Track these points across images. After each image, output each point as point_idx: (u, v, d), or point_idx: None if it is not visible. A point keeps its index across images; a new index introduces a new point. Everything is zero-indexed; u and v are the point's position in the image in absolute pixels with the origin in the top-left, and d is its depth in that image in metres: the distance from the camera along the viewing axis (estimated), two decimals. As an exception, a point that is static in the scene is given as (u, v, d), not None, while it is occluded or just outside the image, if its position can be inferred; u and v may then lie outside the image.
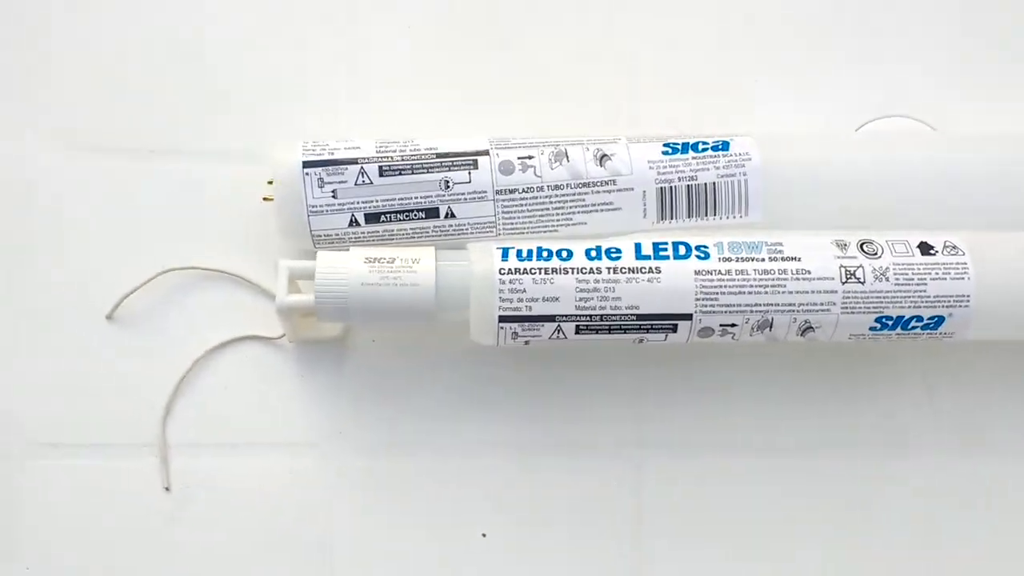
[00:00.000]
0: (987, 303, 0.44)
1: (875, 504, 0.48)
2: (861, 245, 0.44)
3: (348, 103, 0.51)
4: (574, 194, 0.46)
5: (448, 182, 0.46)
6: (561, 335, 0.44)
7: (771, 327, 0.44)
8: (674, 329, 0.44)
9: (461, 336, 0.47)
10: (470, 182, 0.46)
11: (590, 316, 0.43)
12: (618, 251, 0.44)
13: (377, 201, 0.46)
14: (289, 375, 0.48)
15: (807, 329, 0.44)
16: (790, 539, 0.47)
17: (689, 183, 0.46)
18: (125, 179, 0.50)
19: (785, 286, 0.44)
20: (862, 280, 0.44)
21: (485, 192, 0.46)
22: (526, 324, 0.44)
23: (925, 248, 0.45)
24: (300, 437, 0.47)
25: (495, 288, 0.43)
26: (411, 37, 0.52)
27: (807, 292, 0.44)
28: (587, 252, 0.44)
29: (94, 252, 0.49)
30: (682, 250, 0.44)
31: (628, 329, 0.44)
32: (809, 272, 0.44)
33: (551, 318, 0.43)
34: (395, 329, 0.48)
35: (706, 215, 0.46)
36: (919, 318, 0.44)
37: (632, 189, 0.46)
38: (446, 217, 0.46)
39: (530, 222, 0.46)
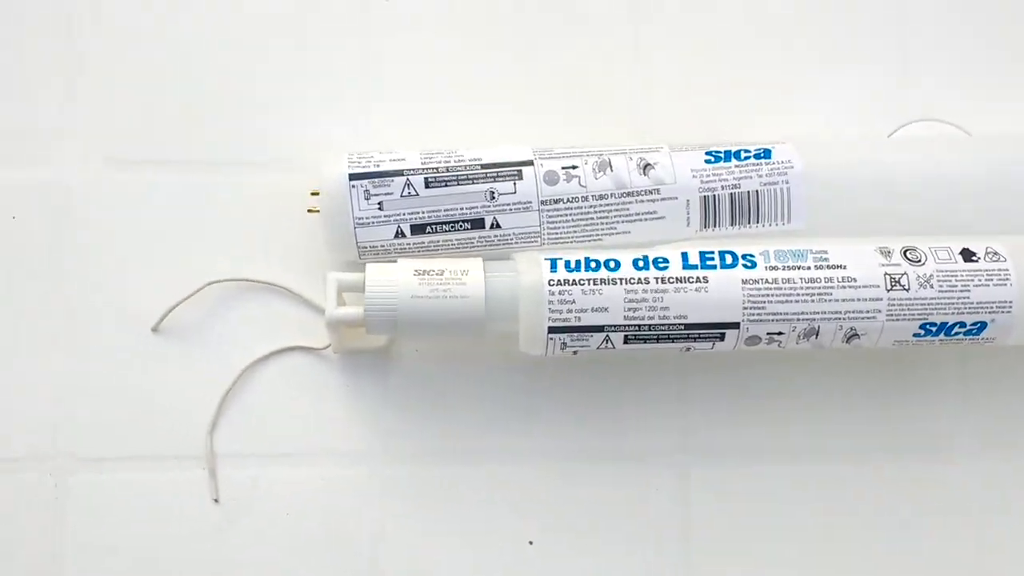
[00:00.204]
0: (1030, 309, 0.45)
1: (918, 509, 0.48)
2: (905, 252, 0.45)
3: (386, 113, 0.51)
4: (618, 204, 0.46)
5: (493, 193, 0.46)
6: (609, 345, 0.44)
7: (817, 335, 0.45)
8: (721, 338, 0.44)
9: (504, 345, 0.47)
10: (515, 192, 0.46)
11: (638, 326, 0.44)
12: (665, 261, 0.44)
13: (423, 212, 0.46)
14: (334, 385, 0.48)
15: (852, 336, 0.45)
16: (836, 545, 0.48)
17: (732, 191, 0.47)
18: (168, 192, 0.50)
19: (831, 294, 0.44)
20: (907, 287, 0.44)
21: (530, 202, 0.46)
22: (575, 335, 0.44)
23: (968, 255, 0.45)
24: (347, 447, 0.48)
25: (544, 299, 0.44)
26: (447, 45, 0.52)
27: (853, 300, 0.44)
28: (634, 262, 0.44)
29: (138, 265, 0.49)
30: (728, 259, 0.44)
31: (676, 338, 0.44)
32: (855, 280, 0.44)
33: (600, 328, 0.44)
34: (442, 340, 0.48)
35: (749, 223, 0.47)
36: (962, 324, 0.45)
37: (676, 198, 0.46)
38: (491, 228, 0.46)
39: (574, 232, 0.47)
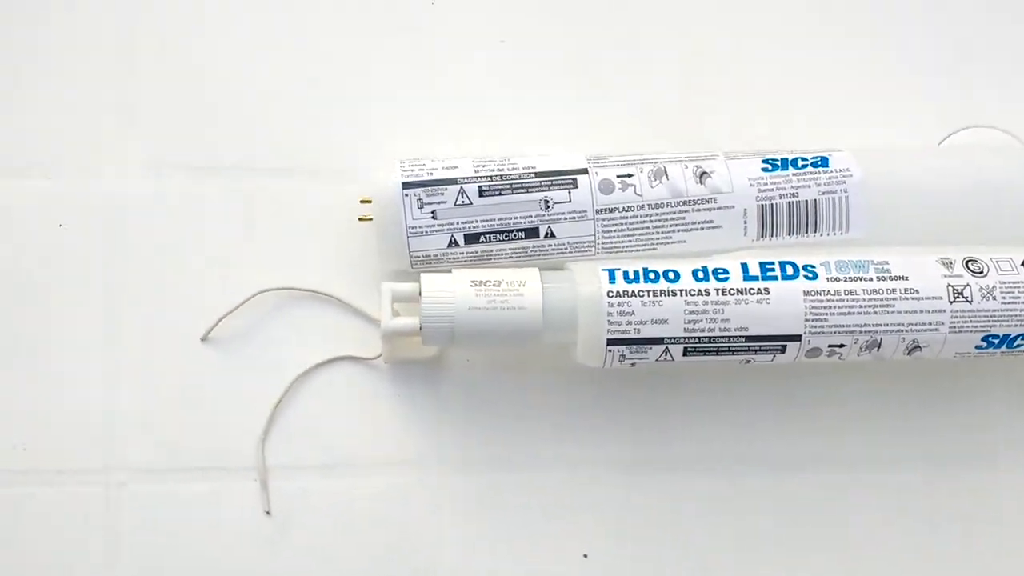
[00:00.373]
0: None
1: (968, 518, 0.48)
2: (967, 263, 0.44)
3: (436, 119, 0.51)
4: (674, 212, 0.46)
5: (548, 202, 0.45)
6: (668, 357, 0.44)
7: (879, 347, 0.44)
8: (782, 350, 0.44)
9: (555, 354, 0.47)
10: (570, 201, 0.45)
11: (698, 338, 0.43)
12: (725, 272, 0.44)
13: (477, 222, 0.45)
14: (385, 395, 0.48)
15: (914, 349, 0.44)
16: (887, 555, 0.47)
17: (790, 200, 0.46)
18: (217, 200, 0.49)
19: (894, 306, 0.43)
20: (969, 299, 0.44)
21: (585, 211, 0.46)
22: (634, 347, 0.43)
23: (1030, 265, 0.45)
24: (399, 457, 0.47)
25: (603, 311, 0.43)
26: (497, 52, 0.52)
27: (916, 312, 0.43)
28: (694, 273, 0.44)
29: (187, 274, 0.48)
30: (789, 270, 0.44)
31: (736, 351, 0.44)
32: (917, 292, 0.44)
33: (659, 341, 0.43)
34: (497, 351, 0.48)
35: (806, 232, 0.46)
36: (1024, 335, 0.44)
37: (733, 207, 0.46)
38: (546, 237, 0.46)
39: (629, 241, 0.46)
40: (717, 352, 0.44)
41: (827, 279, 0.44)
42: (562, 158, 0.46)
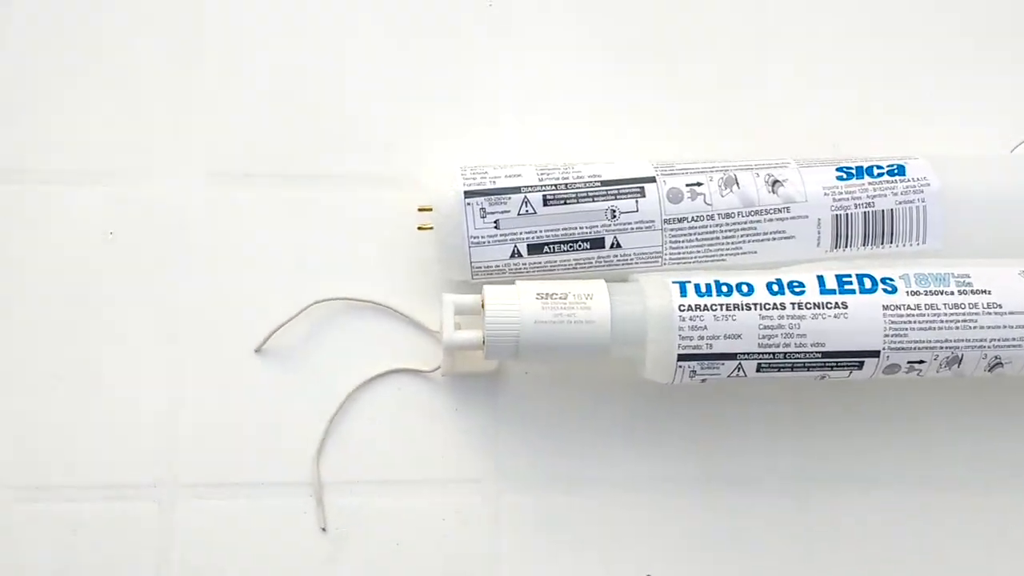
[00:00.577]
0: None
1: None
2: (1050, 276, 0.43)
3: (497, 125, 0.49)
4: (745, 223, 0.44)
5: (615, 211, 0.44)
6: (741, 373, 0.42)
7: (960, 363, 0.42)
8: (860, 366, 0.42)
9: (617, 367, 0.45)
10: (637, 211, 0.44)
11: (773, 354, 0.42)
12: (801, 285, 0.42)
13: (541, 232, 0.44)
14: (443, 409, 0.46)
15: (996, 365, 0.42)
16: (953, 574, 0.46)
17: (866, 210, 0.44)
18: (271, 208, 0.48)
19: (976, 321, 0.42)
20: (1054, 314, 0.42)
21: (653, 221, 0.44)
22: (706, 363, 0.42)
23: (1116, 279, 0.43)
24: (458, 473, 0.46)
25: (675, 325, 0.41)
26: (560, 57, 0.50)
27: (999, 327, 0.42)
28: (768, 286, 0.42)
29: (241, 284, 0.47)
30: (868, 283, 0.42)
31: (812, 367, 0.42)
32: (1000, 306, 0.42)
33: (732, 356, 0.42)
34: (561, 365, 0.46)
35: (881, 243, 0.45)
36: (1109, 352, 0.43)
37: (807, 217, 0.44)
38: (611, 247, 0.44)
39: (697, 252, 0.44)
40: (792, 368, 0.42)
41: (907, 293, 0.42)
42: (628, 166, 0.45)
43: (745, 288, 0.42)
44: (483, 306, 0.43)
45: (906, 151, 0.47)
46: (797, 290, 0.42)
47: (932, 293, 0.42)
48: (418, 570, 0.45)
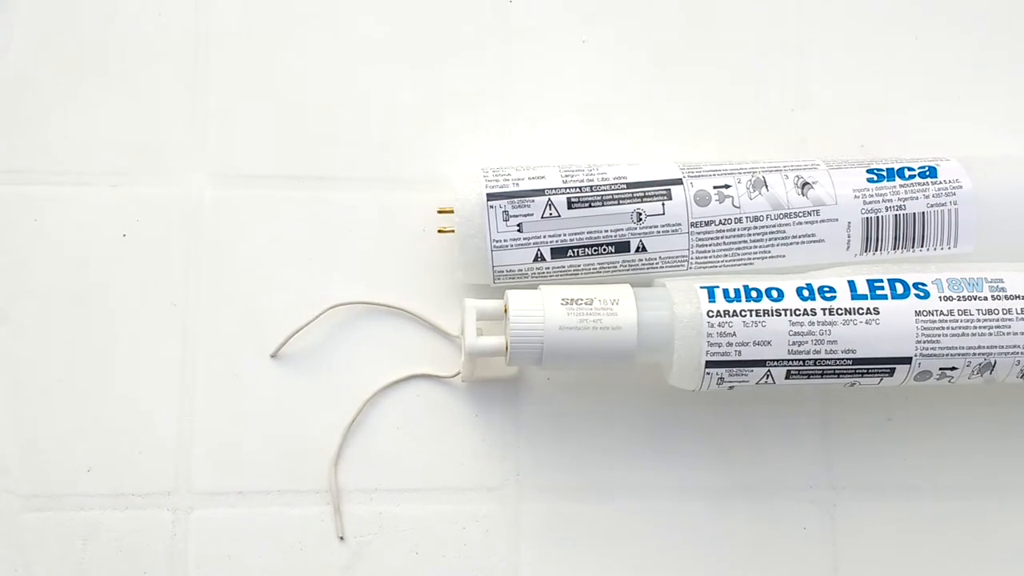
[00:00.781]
0: None
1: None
2: (1085, 281, 0.42)
3: (518, 126, 0.48)
4: (774, 226, 0.43)
5: (641, 214, 0.43)
6: (770, 380, 0.41)
7: (992, 370, 0.41)
8: (891, 373, 0.41)
9: (640, 373, 0.44)
10: (663, 214, 0.43)
11: (803, 360, 0.41)
12: (832, 290, 0.41)
13: (565, 235, 0.43)
14: (463, 415, 0.45)
15: (1030, 371, 0.42)
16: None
17: (897, 213, 0.43)
18: (288, 210, 0.47)
19: (1010, 327, 0.41)
20: (1089, 320, 0.41)
21: (679, 225, 0.43)
22: (734, 369, 0.41)
23: None
24: (478, 480, 0.45)
25: (703, 331, 0.41)
26: (582, 56, 0.49)
27: (1034, 333, 0.41)
28: (799, 291, 0.41)
29: (258, 287, 0.46)
30: (900, 288, 0.41)
31: (842, 374, 0.41)
32: (1035, 312, 0.41)
33: (762, 363, 0.41)
34: (585, 371, 0.45)
35: (912, 247, 0.44)
36: None
37: (837, 220, 0.43)
38: (636, 251, 0.43)
39: (725, 256, 0.43)
40: (822, 375, 0.41)
41: (939, 298, 0.41)
42: (654, 167, 0.44)
43: (775, 293, 0.41)
44: (506, 311, 0.42)
45: (936, 152, 0.46)
46: (828, 295, 0.41)
47: (965, 298, 0.41)
48: (438, 579, 0.44)
